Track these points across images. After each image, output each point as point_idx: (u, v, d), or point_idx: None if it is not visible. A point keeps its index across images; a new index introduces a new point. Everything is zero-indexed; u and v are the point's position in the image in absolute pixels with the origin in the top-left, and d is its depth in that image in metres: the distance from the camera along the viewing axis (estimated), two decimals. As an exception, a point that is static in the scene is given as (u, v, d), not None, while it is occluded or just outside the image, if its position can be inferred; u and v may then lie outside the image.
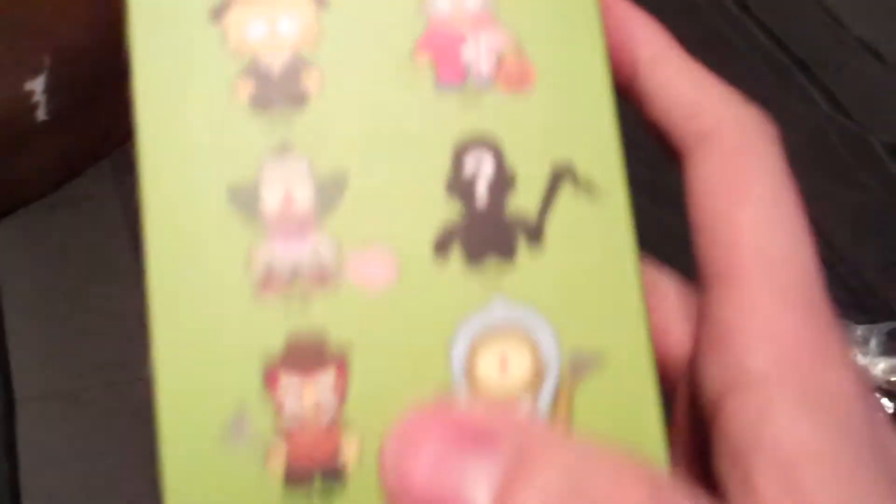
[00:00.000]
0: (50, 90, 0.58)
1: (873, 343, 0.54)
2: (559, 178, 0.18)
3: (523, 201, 0.18)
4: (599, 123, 0.18)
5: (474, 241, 0.18)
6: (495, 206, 0.18)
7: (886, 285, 0.61)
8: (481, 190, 0.18)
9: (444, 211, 0.18)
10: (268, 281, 0.17)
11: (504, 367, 0.17)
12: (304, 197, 0.18)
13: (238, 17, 0.18)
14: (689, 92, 0.21)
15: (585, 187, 0.18)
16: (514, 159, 0.18)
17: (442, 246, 0.18)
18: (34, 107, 0.58)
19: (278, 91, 0.18)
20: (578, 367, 0.17)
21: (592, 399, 0.17)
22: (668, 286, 0.21)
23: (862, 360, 0.54)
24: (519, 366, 0.17)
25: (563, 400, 0.17)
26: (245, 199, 0.17)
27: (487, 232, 0.18)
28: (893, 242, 0.64)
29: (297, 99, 0.18)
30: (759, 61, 0.76)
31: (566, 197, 0.18)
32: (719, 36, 0.78)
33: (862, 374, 0.19)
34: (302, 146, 0.18)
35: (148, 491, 0.50)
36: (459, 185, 0.18)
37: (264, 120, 0.18)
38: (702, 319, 0.19)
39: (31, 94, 0.57)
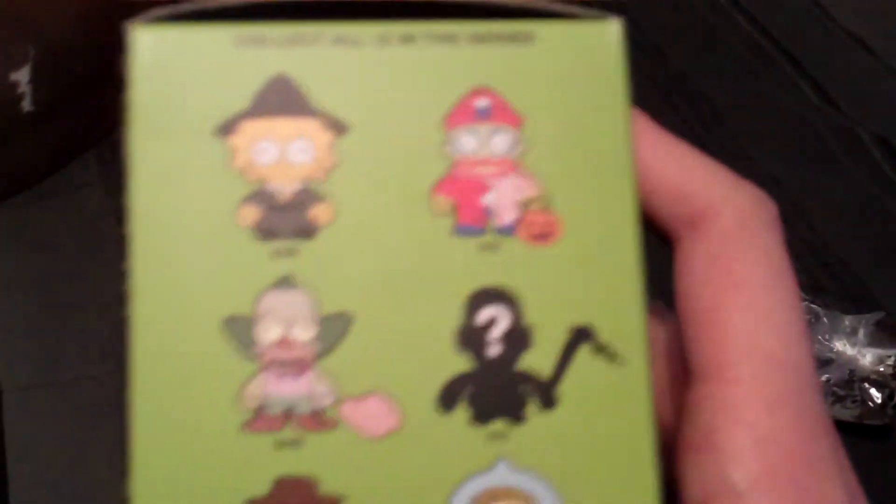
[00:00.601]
0: (35, 81, 0.58)
1: (861, 333, 0.54)
2: (578, 340, 0.17)
3: (538, 360, 0.17)
4: (625, 287, 0.17)
5: (482, 398, 0.17)
6: (507, 363, 0.17)
7: (874, 275, 0.61)
8: (494, 344, 0.17)
9: (452, 362, 0.17)
10: (258, 418, 0.16)
11: None
12: (303, 335, 0.17)
13: (247, 136, 0.17)
14: (675, 172, 0.19)
15: (605, 353, 0.17)
16: (532, 315, 0.17)
17: (447, 399, 0.17)
18: (19, 98, 0.58)
19: (285, 221, 0.17)
20: None
21: None
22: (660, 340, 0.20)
23: (850, 350, 0.54)
24: None
25: None
26: (241, 331, 0.17)
27: (497, 390, 0.17)
28: (881, 233, 0.64)
29: (305, 231, 0.17)
30: (747, 53, 0.76)
31: (583, 360, 0.17)
32: (708, 28, 0.78)
33: (854, 485, 0.18)
34: (306, 281, 0.17)
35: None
36: (471, 337, 0.17)
37: (268, 250, 0.17)
38: (686, 417, 0.18)
39: (16, 84, 0.57)
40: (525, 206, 0.17)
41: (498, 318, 0.17)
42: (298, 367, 0.17)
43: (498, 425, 0.17)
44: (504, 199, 0.17)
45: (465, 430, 0.17)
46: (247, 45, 0.17)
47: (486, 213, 0.17)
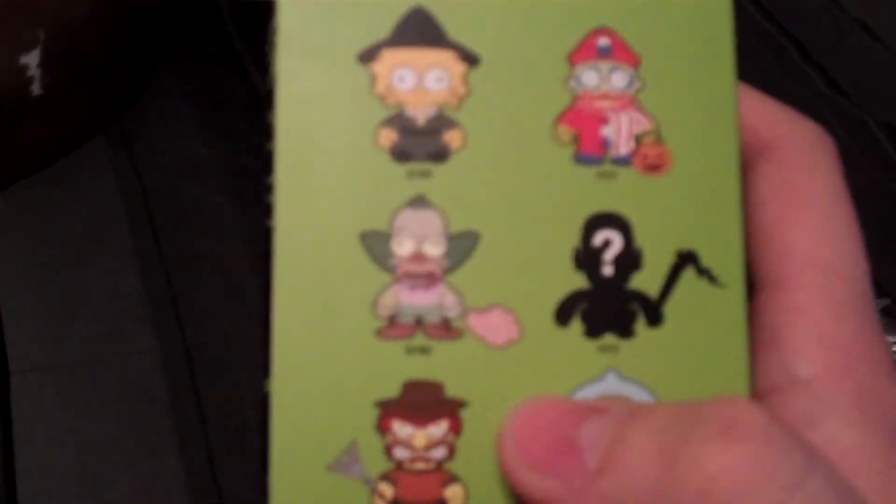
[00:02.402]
0: (45, 65, 0.58)
1: (868, 320, 0.54)
2: (683, 264, 0.19)
3: (646, 281, 0.18)
4: (726, 219, 0.19)
5: (595, 314, 0.18)
6: (619, 283, 0.18)
7: (881, 263, 0.61)
8: (607, 265, 0.18)
9: (569, 280, 0.18)
10: (391, 326, 0.18)
11: None
12: (434, 250, 0.18)
13: (387, 63, 0.18)
14: (748, 111, 0.21)
15: (707, 277, 0.19)
16: (642, 239, 0.19)
17: (564, 314, 0.18)
18: (29, 81, 0.58)
19: (420, 144, 0.18)
20: None
21: None
22: None
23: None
24: None
25: None
26: (377, 245, 0.18)
27: (609, 307, 0.18)
28: (888, 220, 0.64)
29: (439, 154, 0.18)
30: (755, 41, 0.76)
31: (687, 283, 0.18)
32: (716, 16, 0.78)
33: None
34: (438, 201, 0.18)
35: (140, 460, 0.50)
36: (587, 258, 0.18)
37: (404, 171, 0.18)
38: (751, 322, 0.20)
39: (25, 68, 0.57)
40: (640, 138, 0.19)
41: (612, 241, 0.18)
42: (429, 279, 0.18)
43: (608, 339, 0.18)
44: (621, 131, 0.19)
45: (579, 342, 0.18)
46: None
47: (605, 144, 0.19)
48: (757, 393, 0.19)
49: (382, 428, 0.18)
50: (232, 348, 0.55)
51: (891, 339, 0.54)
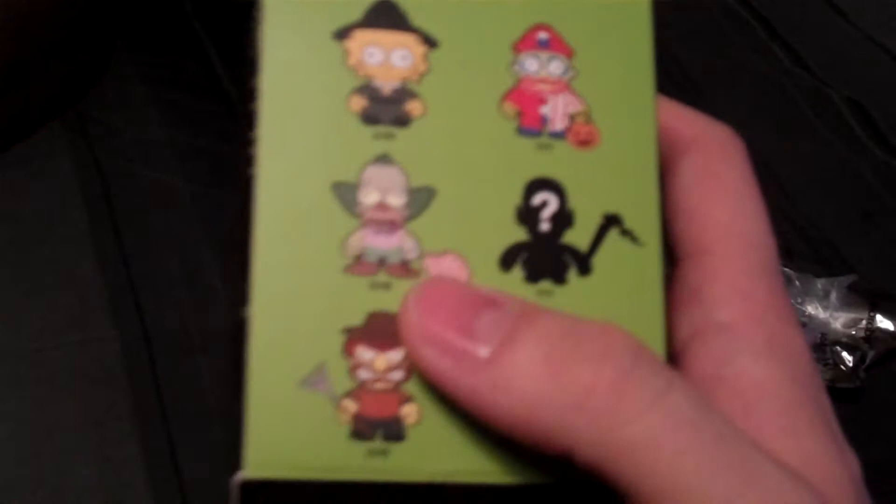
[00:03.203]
0: (0, 47, 0.57)
1: (833, 296, 0.54)
2: (608, 224, 0.22)
3: (577, 237, 0.21)
4: (646, 188, 0.22)
5: (534, 263, 0.21)
6: (554, 237, 0.21)
7: (846, 239, 0.61)
8: (544, 222, 0.21)
9: (512, 233, 0.21)
10: (357, 264, 0.20)
11: None
12: (396, 201, 0.21)
13: (358, 41, 0.21)
14: (668, 120, 0.24)
15: (629, 237, 0.22)
16: (574, 202, 0.22)
17: (507, 261, 0.21)
18: (-19, 63, 0.57)
19: (386, 111, 0.21)
20: None
21: None
22: None
23: (822, 313, 0.54)
24: None
25: None
26: (347, 194, 0.21)
27: (546, 257, 0.21)
28: (853, 196, 0.64)
29: (401, 120, 0.21)
30: (720, 17, 0.76)
31: (612, 241, 0.21)
32: (681, -8, 0.78)
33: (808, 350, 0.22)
34: (401, 159, 0.21)
35: (100, 447, 0.50)
36: (527, 215, 0.21)
37: (371, 132, 0.21)
38: (673, 287, 0.23)
39: (-23, 50, 0.56)
40: (573, 118, 0.22)
41: (548, 202, 0.21)
42: (391, 226, 0.21)
43: (545, 285, 0.21)
44: (557, 110, 0.22)
45: (520, 286, 0.21)
46: None
47: (543, 120, 0.22)
48: (681, 340, 0.22)
49: (348, 351, 0.20)
50: (192, 333, 0.54)
51: (856, 315, 0.54)
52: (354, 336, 0.20)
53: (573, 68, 0.22)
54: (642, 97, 0.23)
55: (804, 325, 0.54)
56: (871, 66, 0.73)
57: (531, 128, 0.22)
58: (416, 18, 0.22)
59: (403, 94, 0.21)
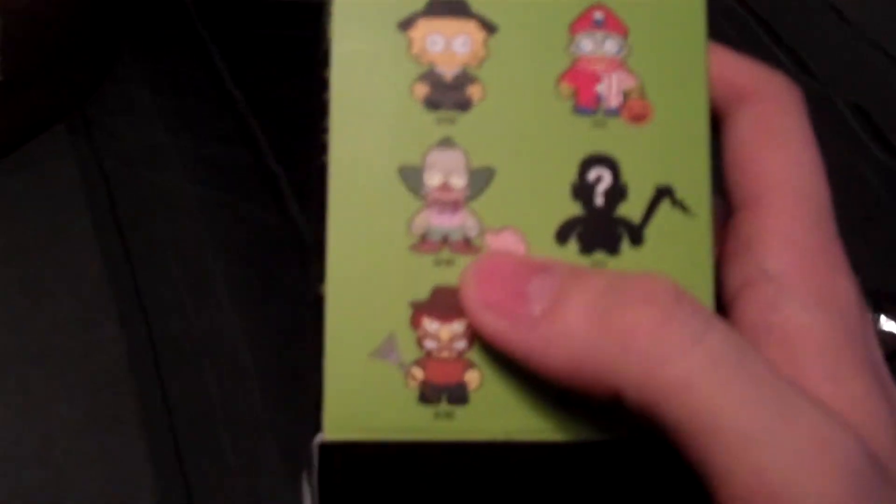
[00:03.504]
0: (4, 51, 0.57)
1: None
2: (660, 196, 0.23)
3: (631, 210, 0.23)
4: (697, 161, 0.23)
5: (588, 236, 0.22)
6: (609, 210, 0.23)
7: (849, 243, 0.61)
8: (599, 196, 0.23)
9: (568, 208, 0.22)
10: (423, 242, 0.22)
11: None
12: (458, 182, 0.22)
13: (421, 30, 0.23)
14: (725, 70, 0.24)
15: (680, 207, 0.23)
16: (627, 176, 0.23)
17: (562, 235, 0.22)
18: (-14, 67, 0.57)
19: (448, 96, 0.23)
20: None
21: None
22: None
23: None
24: None
25: None
26: (412, 177, 0.22)
27: (600, 230, 0.22)
28: (856, 199, 0.64)
29: (463, 104, 0.23)
30: (724, 23, 0.76)
31: (664, 212, 0.23)
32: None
33: (859, 286, 0.23)
34: (462, 142, 0.22)
35: (106, 450, 0.50)
36: (582, 190, 0.23)
37: (434, 117, 0.22)
38: (727, 236, 0.24)
39: (-18, 54, 0.56)
40: (627, 94, 0.23)
41: (603, 177, 0.23)
42: (454, 205, 0.22)
43: (599, 256, 0.22)
44: (612, 88, 0.23)
45: (575, 258, 0.22)
46: None
47: (598, 98, 0.23)
48: (732, 290, 0.23)
49: (415, 323, 0.22)
50: (197, 336, 0.54)
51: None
52: (420, 309, 0.22)
53: (627, 46, 0.23)
54: (694, 72, 0.23)
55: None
56: (874, 72, 0.73)
57: (587, 106, 0.23)
58: (476, 4, 0.23)
59: (464, 79, 0.23)
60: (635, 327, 0.20)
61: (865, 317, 0.22)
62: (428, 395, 0.22)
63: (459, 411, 0.22)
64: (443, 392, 0.22)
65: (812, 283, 0.22)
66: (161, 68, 0.68)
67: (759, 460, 0.19)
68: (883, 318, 0.54)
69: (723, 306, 0.23)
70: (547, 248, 0.23)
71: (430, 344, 0.22)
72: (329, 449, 0.22)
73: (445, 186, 0.22)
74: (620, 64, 0.23)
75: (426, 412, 0.22)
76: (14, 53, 0.58)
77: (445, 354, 0.22)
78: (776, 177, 0.23)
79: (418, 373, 0.22)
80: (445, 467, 0.22)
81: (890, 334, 0.53)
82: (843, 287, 0.22)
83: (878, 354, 0.22)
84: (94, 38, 0.65)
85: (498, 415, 0.22)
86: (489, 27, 0.23)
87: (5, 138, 0.62)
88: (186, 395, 0.52)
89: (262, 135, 0.64)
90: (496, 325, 0.21)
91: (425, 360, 0.22)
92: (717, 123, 0.24)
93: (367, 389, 0.22)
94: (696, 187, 0.23)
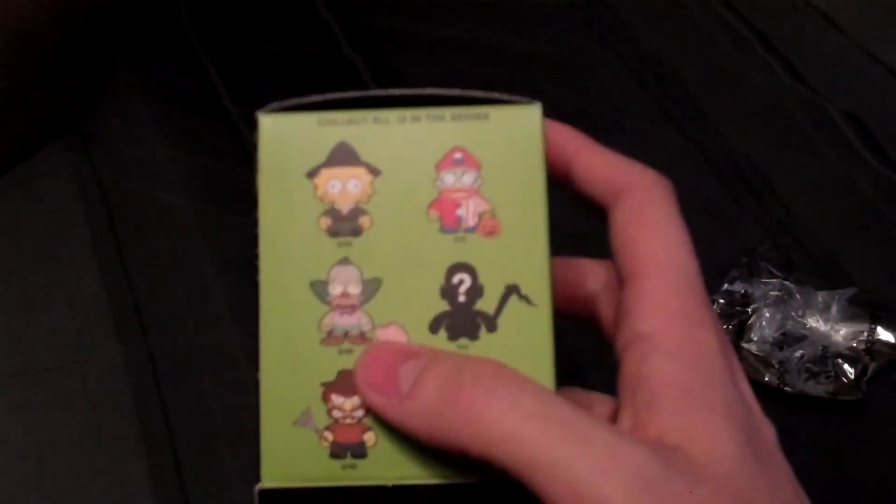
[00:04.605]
0: (1, 68, 0.57)
1: (834, 309, 0.55)
2: (509, 293, 0.29)
3: (486, 304, 0.29)
4: (538, 263, 0.29)
5: (454, 326, 0.29)
6: (469, 305, 0.29)
7: (846, 251, 0.61)
8: (461, 295, 0.29)
9: (437, 305, 0.29)
10: (329, 337, 0.29)
11: None
12: (354, 290, 0.29)
13: (324, 177, 0.29)
14: (603, 167, 0.30)
15: (525, 300, 0.29)
16: (483, 278, 0.29)
17: (434, 326, 0.29)
18: (-17, 84, 0.57)
19: (345, 226, 0.29)
20: None
21: None
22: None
23: (823, 326, 0.54)
24: None
25: None
26: (320, 289, 0.29)
27: (462, 321, 0.29)
28: (852, 209, 0.64)
29: (356, 231, 0.29)
30: (718, 33, 0.76)
31: (513, 304, 0.29)
32: (679, 6, 0.78)
33: (725, 334, 0.28)
34: (356, 260, 0.29)
35: (105, 466, 0.50)
36: (448, 291, 0.29)
37: (335, 242, 0.29)
38: (616, 308, 0.29)
39: (-21, 71, 0.56)
40: (481, 215, 0.29)
41: (464, 280, 0.29)
42: (352, 308, 0.29)
43: (463, 341, 0.29)
44: (469, 211, 0.29)
45: (445, 344, 0.29)
46: (325, 124, 0.30)
47: (459, 220, 0.29)
48: (618, 352, 0.28)
49: (325, 399, 0.28)
50: (196, 352, 0.54)
51: (857, 327, 0.54)
52: (329, 388, 0.29)
53: (481, 177, 0.29)
54: (535, 194, 0.29)
55: (805, 337, 0.54)
56: (867, 80, 0.74)
57: (450, 226, 0.29)
58: (364, 154, 0.29)
59: (357, 212, 0.29)
60: (470, 400, 0.26)
61: (726, 360, 0.27)
62: (337, 452, 0.28)
63: (361, 463, 0.28)
64: (347, 449, 0.28)
65: (673, 339, 0.27)
66: (158, 83, 0.69)
67: (572, 482, 0.24)
68: (880, 328, 0.54)
69: (615, 364, 0.28)
70: (423, 338, 0.29)
71: (337, 413, 0.28)
72: (267, 495, 0.29)
73: (345, 294, 0.29)
74: (476, 192, 0.29)
75: (336, 464, 0.28)
76: (11, 70, 0.58)
77: (349, 421, 0.28)
78: (648, 256, 0.28)
79: (329, 435, 0.28)
80: None
81: (886, 344, 0.54)
82: (703, 338, 0.27)
83: (737, 389, 0.27)
84: (90, 53, 0.65)
85: (390, 464, 0.28)
86: (374, 171, 0.29)
87: (3, 155, 0.62)
88: (186, 410, 0.52)
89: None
90: (377, 401, 0.28)
91: (334, 425, 0.28)
92: (603, 214, 0.30)
93: (291, 448, 0.28)
94: (537, 284, 0.29)
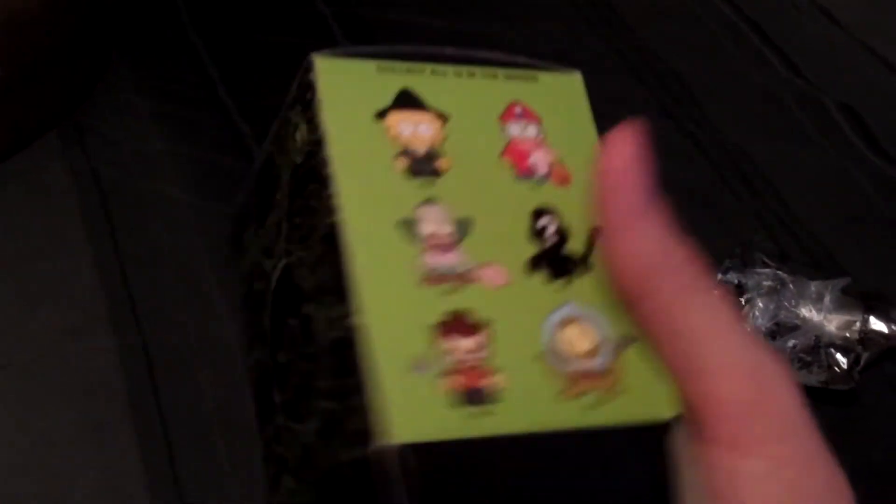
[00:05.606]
0: (-5, 60, 0.57)
1: (827, 299, 0.55)
2: (595, 236, 0.28)
3: (575, 246, 0.28)
4: None
5: (552, 267, 0.28)
6: (560, 248, 0.28)
7: (840, 242, 0.61)
8: (550, 238, 0.28)
9: (530, 247, 0.28)
10: (428, 277, 0.27)
11: (576, 341, 0.27)
12: (446, 230, 0.27)
13: (393, 120, 0.28)
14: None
15: None
16: (567, 222, 0.29)
17: (533, 267, 0.28)
18: (-22, 76, 0.57)
19: (424, 167, 0.28)
20: (621, 344, 0.28)
21: (632, 361, 0.28)
22: None
23: (816, 316, 0.54)
24: (585, 340, 0.27)
25: (615, 361, 0.27)
26: (409, 228, 0.27)
27: (558, 262, 0.28)
28: (847, 200, 0.64)
29: (434, 172, 0.28)
30: (715, 26, 0.76)
31: (599, 246, 0.28)
32: (676, 2, 0.78)
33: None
34: (441, 200, 0.28)
35: (99, 457, 0.50)
36: (537, 233, 0.28)
37: (416, 183, 0.28)
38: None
39: (-26, 63, 0.56)
40: (551, 165, 0.29)
41: (549, 224, 0.29)
42: (446, 248, 0.27)
43: (562, 282, 0.28)
44: (539, 160, 0.29)
45: (545, 283, 0.28)
46: (384, 72, 0.29)
47: (532, 168, 0.29)
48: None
49: (438, 342, 0.26)
50: (190, 344, 0.55)
51: (849, 317, 0.54)
52: (440, 330, 0.26)
53: (544, 130, 0.30)
54: (593, 150, 0.29)
55: (797, 327, 0.54)
56: (863, 73, 0.74)
57: (525, 174, 0.29)
58: (429, 101, 0.29)
59: (432, 154, 0.28)
60: (692, 280, 0.26)
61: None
62: (462, 399, 0.26)
63: (491, 410, 0.26)
64: (473, 395, 0.26)
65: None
66: (154, 75, 0.69)
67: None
68: (872, 318, 0.54)
69: None
70: (524, 277, 0.28)
71: (454, 357, 0.26)
72: (391, 452, 0.25)
73: (436, 234, 0.27)
74: (542, 143, 0.30)
75: (464, 413, 0.26)
76: (6, 61, 0.58)
77: (467, 364, 0.26)
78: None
79: (450, 381, 0.26)
80: (485, 463, 0.26)
81: (879, 334, 0.54)
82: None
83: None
84: (86, 44, 0.65)
85: (524, 410, 0.26)
86: (442, 117, 0.29)
87: (-2, 147, 0.62)
88: (180, 402, 0.52)
89: (255, 143, 0.64)
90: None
91: (453, 370, 0.26)
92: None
93: (412, 398, 0.26)
94: None
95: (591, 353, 0.27)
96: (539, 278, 0.28)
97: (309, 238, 0.28)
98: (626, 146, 0.28)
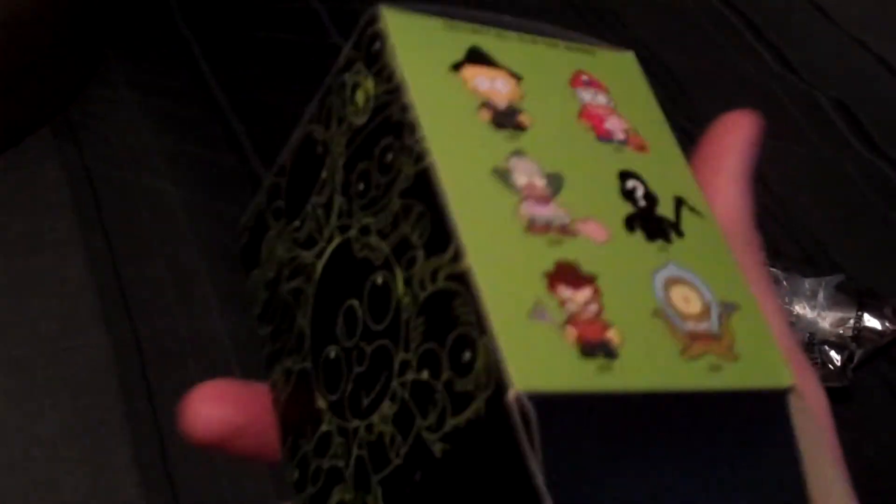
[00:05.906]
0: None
1: (821, 296, 0.55)
2: (680, 203, 0.28)
3: (664, 211, 0.27)
4: (691, 181, 0.28)
5: (648, 227, 0.27)
6: (651, 209, 0.27)
7: (834, 239, 0.61)
8: (640, 199, 0.27)
9: (623, 207, 0.27)
10: (532, 226, 0.25)
11: (687, 301, 0.26)
12: (539, 182, 0.26)
13: (469, 73, 0.27)
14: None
15: (694, 211, 0.28)
16: (651, 186, 0.28)
17: (630, 226, 0.26)
18: (-31, 71, 0.57)
19: (506, 120, 0.27)
20: (726, 309, 0.26)
21: (741, 327, 0.26)
22: None
23: (810, 313, 0.54)
24: (695, 301, 0.26)
25: (725, 326, 0.26)
26: (503, 177, 0.26)
27: (652, 223, 0.27)
28: (840, 197, 0.64)
29: (518, 126, 0.27)
30: (707, 21, 0.76)
31: (686, 214, 0.27)
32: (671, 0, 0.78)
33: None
34: (530, 154, 0.26)
35: (92, 453, 0.50)
36: (628, 194, 0.27)
37: (502, 135, 0.26)
38: None
39: (-35, 57, 0.56)
40: (627, 131, 0.28)
41: (637, 187, 0.27)
42: (544, 199, 0.26)
43: (660, 243, 0.26)
44: (615, 126, 0.28)
45: (643, 244, 0.26)
46: (450, 29, 0.29)
47: (610, 133, 0.28)
48: None
49: (552, 290, 0.24)
50: (182, 338, 0.54)
51: (843, 314, 0.54)
52: (553, 278, 0.24)
53: (613, 99, 0.29)
54: (661, 122, 0.29)
55: (792, 324, 0.54)
56: (856, 68, 0.74)
57: (604, 137, 0.28)
58: (500, 59, 0.28)
59: (513, 109, 0.27)
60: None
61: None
62: (585, 350, 0.24)
63: (615, 364, 0.24)
64: (596, 347, 0.24)
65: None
66: (145, 71, 0.68)
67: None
68: (866, 315, 0.54)
69: None
70: (622, 236, 0.26)
71: (571, 307, 0.24)
72: (518, 401, 0.22)
73: (531, 185, 0.26)
74: (614, 110, 0.29)
75: (590, 365, 0.24)
76: (1, 56, 0.58)
77: (585, 316, 0.24)
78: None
79: (572, 330, 0.24)
80: (607, 417, 0.24)
81: (872, 331, 0.54)
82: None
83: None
84: (77, 41, 0.65)
85: (642, 368, 0.25)
86: (516, 76, 0.28)
87: (-10, 142, 0.62)
88: (172, 397, 0.52)
89: (247, 138, 0.64)
90: None
91: (572, 319, 0.24)
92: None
93: (534, 346, 0.24)
94: (698, 198, 0.28)
95: (703, 315, 0.26)
96: (637, 238, 0.26)
97: (382, 198, 0.26)
98: (750, 122, 0.29)
